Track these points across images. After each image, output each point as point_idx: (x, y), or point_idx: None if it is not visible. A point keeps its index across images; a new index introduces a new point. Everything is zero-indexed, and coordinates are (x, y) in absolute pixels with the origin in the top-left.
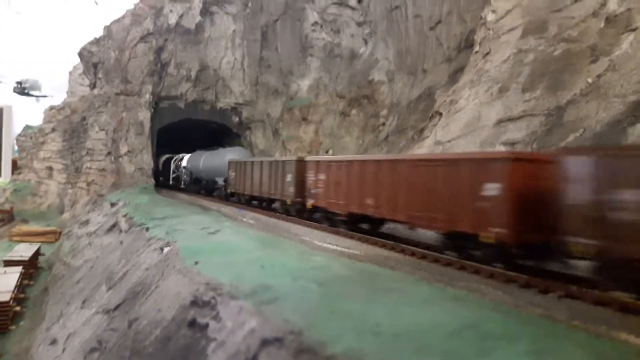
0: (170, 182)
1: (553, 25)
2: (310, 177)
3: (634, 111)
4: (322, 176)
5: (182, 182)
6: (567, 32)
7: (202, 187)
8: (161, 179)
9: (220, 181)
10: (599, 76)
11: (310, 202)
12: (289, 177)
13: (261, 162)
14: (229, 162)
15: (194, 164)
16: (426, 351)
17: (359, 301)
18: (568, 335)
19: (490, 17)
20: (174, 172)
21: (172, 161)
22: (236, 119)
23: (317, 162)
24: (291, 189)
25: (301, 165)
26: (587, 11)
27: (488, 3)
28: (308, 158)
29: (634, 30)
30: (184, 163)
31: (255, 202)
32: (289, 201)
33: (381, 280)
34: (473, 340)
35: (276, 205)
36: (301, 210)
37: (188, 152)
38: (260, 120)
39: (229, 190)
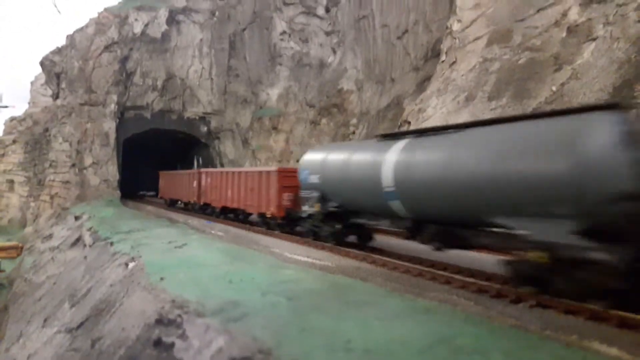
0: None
1: (517, 34)
2: None
3: None
4: None
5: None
6: (531, 41)
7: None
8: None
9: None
10: (562, 84)
11: None
12: None
13: None
14: None
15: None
16: None
17: (330, 316)
18: (541, 346)
19: (456, 26)
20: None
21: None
22: (204, 129)
23: None
24: None
25: None
26: (550, 21)
27: (454, 12)
28: None
29: (594, 39)
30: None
31: None
32: None
33: (352, 293)
34: (446, 356)
35: None
36: None
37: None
38: (229, 129)
39: None
